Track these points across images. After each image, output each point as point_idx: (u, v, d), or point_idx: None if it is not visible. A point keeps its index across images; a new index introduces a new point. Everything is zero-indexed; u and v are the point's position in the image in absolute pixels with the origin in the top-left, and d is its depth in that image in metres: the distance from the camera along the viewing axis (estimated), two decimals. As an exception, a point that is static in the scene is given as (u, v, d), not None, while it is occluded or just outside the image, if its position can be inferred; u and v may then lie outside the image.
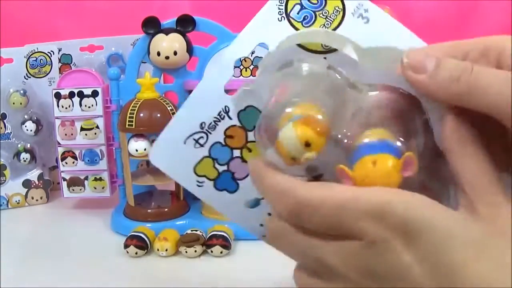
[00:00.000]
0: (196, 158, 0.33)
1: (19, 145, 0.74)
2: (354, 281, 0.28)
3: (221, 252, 0.55)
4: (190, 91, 0.64)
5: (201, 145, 0.33)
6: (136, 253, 0.55)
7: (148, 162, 0.70)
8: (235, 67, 0.64)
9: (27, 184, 0.73)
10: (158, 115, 0.59)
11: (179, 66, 0.65)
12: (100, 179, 0.68)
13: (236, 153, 0.33)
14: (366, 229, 0.27)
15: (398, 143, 0.29)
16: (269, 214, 0.33)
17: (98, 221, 0.66)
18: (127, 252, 0.55)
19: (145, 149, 0.60)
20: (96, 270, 0.54)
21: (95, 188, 0.68)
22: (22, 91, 0.72)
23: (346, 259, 0.28)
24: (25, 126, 0.73)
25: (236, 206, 0.33)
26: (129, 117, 0.59)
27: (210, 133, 0.33)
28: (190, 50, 0.64)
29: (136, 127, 0.59)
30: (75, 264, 0.55)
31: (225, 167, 0.33)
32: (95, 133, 0.66)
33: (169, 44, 0.63)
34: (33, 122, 0.73)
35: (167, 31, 0.63)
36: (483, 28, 0.88)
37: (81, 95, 0.65)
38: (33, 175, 0.74)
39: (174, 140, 0.33)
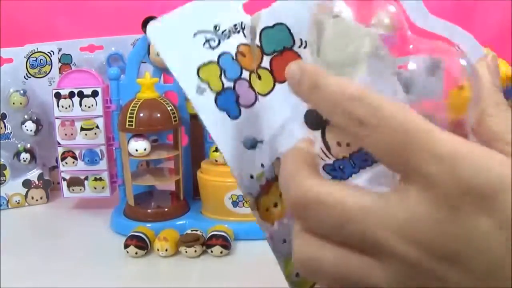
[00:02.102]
0: (203, 59, 0.28)
1: (19, 145, 0.74)
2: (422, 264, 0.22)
3: (221, 252, 0.55)
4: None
5: (211, 48, 0.29)
6: (136, 253, 0.55)
7: (148, 162, 0.70)
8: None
9: (27, 184, 0.73)
10: (158, 115, 0.59)
11: (179, 66, 0.65)
12: (100, 179, 0.68)
13: (245, 74, 0.29)
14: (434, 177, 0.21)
15: None
16: (262, 165, 0.29)
17: (98, 221, 0.65)
18: (127, 252, 0.55)
19: (145, 149, 0.60)
20: (96, 270, 0.54)
21: (95, 188, 0.68)
22: (22, 91, 0.72)
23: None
24: (25, 126, 0.73)
25: (233, 140, 0.29)
26: (129, 117, 0.59)
27: (223, 40, 0.29)
28: (190, 50, 0.64)
29: (136, 127, 0.59)
30: (75, 264, 0.55)
31: (231, 84, 0.29)
32: (95, 133, 0.66)
33: (169, 44, 0.63)
34: (33, 122, 0.73)
35: (167, 31, 0.63)
36: (483, 28, 0.88)
37: (81, 95, 0.65)
38: (33, 175, 0.74)
39: (183, 26, 0.28)
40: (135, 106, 0.59)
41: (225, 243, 0.55)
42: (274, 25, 0.29)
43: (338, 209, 0.23)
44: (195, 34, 0.28)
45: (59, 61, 0.75)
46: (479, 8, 0.88)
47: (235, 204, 0.60)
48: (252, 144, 0.29)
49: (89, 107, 0.66)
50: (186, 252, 0.55)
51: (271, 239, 0.30)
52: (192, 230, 0.57)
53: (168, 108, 0.60)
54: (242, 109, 0.29)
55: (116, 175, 0.68)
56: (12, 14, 0.86)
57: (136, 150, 0.60)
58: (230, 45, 0.29)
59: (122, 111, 0.61)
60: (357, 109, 0.23)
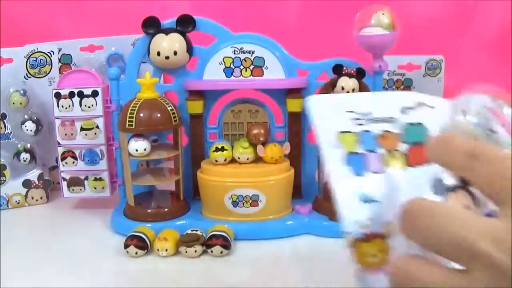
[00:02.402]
0: (345, 128, 0.35)
1: (19, 145, 0.74)
2: None
3: (221, 252, 0.55)
4: (190, 91, 0.65)
5: (358, 124, 0.35)
6: (136, 253, 0.55)
7: (148, 162, 0.70)
8: (235, 67, 0.64)
9: (27, 184, 0.73)
10: (158, 115, 0.59)
11: (179, 66, 0.65)
12: (100, 179, 0.68)
13: (380, 150, 0.34)
14: None
15: None
16: (370, 219, 0.34)
17: (98, 221, 0.66)
18: (127, 252, 0.55)
19: (145, 149, 0.60)
20: (96, 270, 0.54)
21: (95, 188, 0.68)
22: (22, 91, 0.72)
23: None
24: (25, 126, 0.73)
25: (348, 189, 0.34)
26: (129, 117, 0.59)
27: (370, 123, 0.35)
28: (190, 50, 0.64)
29: (136, 127, 0.59)
30: (75, 264, 0.55)
31: (363, 151, 0.34)
32: (95, 133, 0.66)
33: (169, 44, 0.63)
34: (33, 122, 0.73)
35: (167, 31, 0.63)
36: (483, 28, 0.88)
37: (81, 95, 0.65)
38: (33, 175, 0.74)
39: (340, 103, 0.35)
40: (135, 106, 0.59)
41: (225, 243, 0.55)
42: (416, 123, 0.35)
43: (443, 214, 0.26)
44: (347, 111, 0.35)
45: (59, 61, 0.75)
46: (479, 8, 0.88)
47: (235, 204, 0.60)
48: (367, 200, 0.33)
49: (89, 107, 0.66)
50: (186, 252, 0.55)
51: (360, 281, 0.33)
52: (192, 230, 0.57)
53: (168, 108, 0.60)
54: (367, 172, 0.34)
55: (116, 175, 0.68)
56: (12, 14, 0.86)
57: (136, 150, 0.60)
58: (377, 129, 0.35)
59: (122, 111, 0.61)
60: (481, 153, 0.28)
